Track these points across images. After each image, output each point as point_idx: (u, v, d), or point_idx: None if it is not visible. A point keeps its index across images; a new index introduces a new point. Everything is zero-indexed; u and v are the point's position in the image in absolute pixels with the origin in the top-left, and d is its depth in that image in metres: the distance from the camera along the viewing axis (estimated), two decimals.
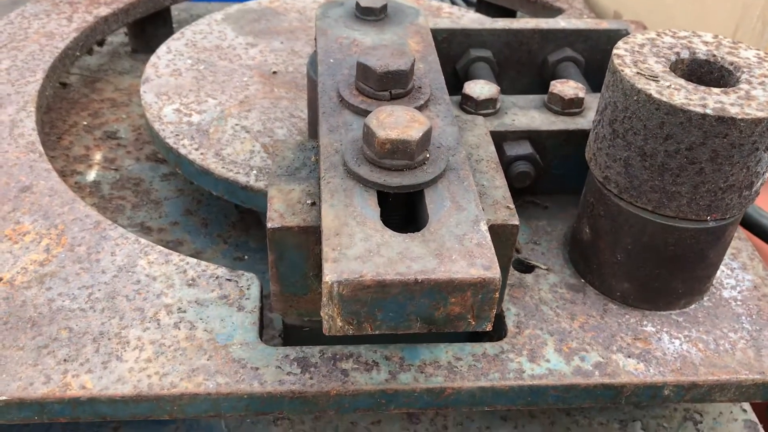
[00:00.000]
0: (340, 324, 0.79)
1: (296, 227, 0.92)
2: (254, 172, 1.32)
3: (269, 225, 0.91)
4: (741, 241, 1.21)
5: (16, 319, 1.01)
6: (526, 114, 1.24)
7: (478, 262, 0.79)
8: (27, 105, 1.45)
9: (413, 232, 0.84)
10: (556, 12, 2.02)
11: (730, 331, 1.07)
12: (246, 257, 1.46)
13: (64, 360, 0.96)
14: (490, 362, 1.00)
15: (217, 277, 1.09)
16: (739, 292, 1.13)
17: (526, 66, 1.49)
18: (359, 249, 0.80)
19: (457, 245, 0.81)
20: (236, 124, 1.44)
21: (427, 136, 0.88)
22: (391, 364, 0.98)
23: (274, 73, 1.62)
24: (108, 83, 1.93)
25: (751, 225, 1.42)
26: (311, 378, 0.96)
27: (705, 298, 1.12)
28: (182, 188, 1.60)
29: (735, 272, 1.17)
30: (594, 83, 1.47)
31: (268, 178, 1.10)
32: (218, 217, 1.55)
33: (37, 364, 0.96)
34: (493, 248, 0.81)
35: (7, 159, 1.30)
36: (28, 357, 0.96)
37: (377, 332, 0.80)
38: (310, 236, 0.93)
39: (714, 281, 1.14)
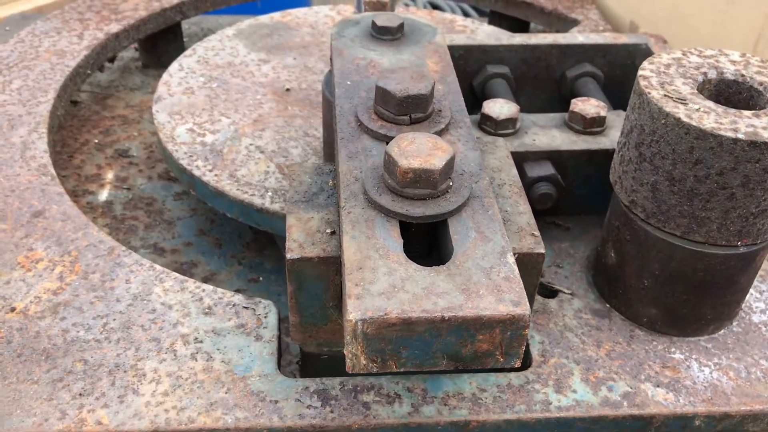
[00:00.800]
0: (364, 362, 0.76)
1: (316, 258, 0.89)
2: (269, 193, 1.30)
3: (288, 256, 0.89)
4: None
5: (30, 351, 0.99)
6: (546, 133, 1.22)
7: (506, 298, 0.76)
8: (39, 126, 1.43)
9: (436, 263, 0.81)
10: (571, 23, 2.00)
11: (762, 358, 1.04)
12: (261, 278, 1.44)
13: (80, 394, 0.94)
14: (516, 393, 0.97)
15: (233, 305, 1.07)
16: None
17: (543, 81, 1.46)
18: (383, 284, 0.77)
19: (484, 279, 0.78)
20: (250, 144, 1.42)
21: (450, 164, 0.86)
22: (413, 396, 0.95)
23: (288, 90, 1.60)
24: (119, 99, 1.91)
25: None
26: (332, 411, 0.93)
27: (734, 323, 1.09)
28: (195, 207, 1.58)
29: (764, 295, 1.14)
30: (613, 98, 1.44)
31: (285, 205, 1.08)
32: (232, 237, 1.53)
33: (51, 399, 0.93)
34: (521, 282, 0.78)
35: (19, 183, 1.29)
36: (43, 391, 0.94)
37: (402, 370, 0.78)
38: (331, 267, 0.90)
39: (743, 305, 1.11)
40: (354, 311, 0.74)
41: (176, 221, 1.55)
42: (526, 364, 1.01)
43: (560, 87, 1.45)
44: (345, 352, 0.77)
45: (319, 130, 1.47)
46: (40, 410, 0.92)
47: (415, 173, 0.84)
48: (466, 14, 2.91)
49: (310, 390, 0.96)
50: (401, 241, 0.83)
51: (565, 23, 2.01)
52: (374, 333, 0.74)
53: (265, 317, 1.06)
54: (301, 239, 0.91)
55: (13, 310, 1.05)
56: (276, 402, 0.94)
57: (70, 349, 1.00)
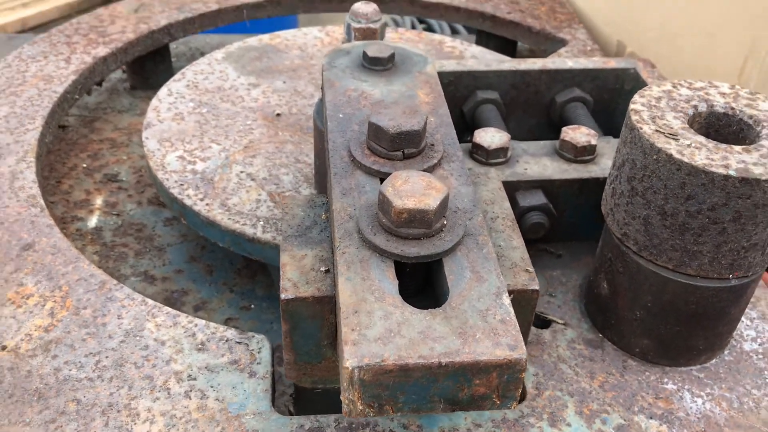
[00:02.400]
0: (360, 408, 0.76)
1: (311, 297, 0.89)
2: (261, 223, 1.30)
3: (283, 296, 0.89)
4: (760, 290, 1.19)
5: (21, 391, 0.98)
6: (538, 162, 1.22)
7: (503, 341, 0.76)
8: (27, 155, 1.42)
9: (430, 299, 0.81)
10: (558, 43, 2.01)
11: (753, 387, 1.05)
12: (252, 306, 1.44)
13: None
14: (511, 428, 0.97)
15: (227, 340, 1.07)
16: (760, 344, 1.11)
17: (533, 106, 1.47)
18: (379, 329, 0.77)
19: (480, 322, 0.78)
20: (241, 172, 1.42)
21: (444, 203, 0.86)
22: None
23: (278, 115, 1.60)
24: (107, 122, 1.90)
25: None
26: None
27: (726, 352, 1.10)
28: (186, 233, 1.58)
29: (755, 323, 1.14)
30: (602, 123, 1.45)
31: (280, 240, 1.08)
32: (223, 263, 1.52)
33: None
34: (517, 324, 0.78)
35: (8, 215, 1.27)
36: None
37: (398, 414, 0.78)
38: (325, 306, 0.90)
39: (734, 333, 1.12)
40: (351, 358, 0.74)
41: (166, 248, 1.54)
42: (521, 397, 1.02)
43: (550, 112, 1.46)
44: (341, 397, 0.77)
45: (310, 156, 1.47)
46: None
47: (410, 213, 0.84)
48: (454, 30, 2.92)
49: (305, 428, 0.95)
50: (396, 282, 0.83)
51: (552, 43, 2.02)
52: (371, 380, 0.74)
53: (258, 352, 1.05)
54: (295, 278, 0.91)
55: (3, 348, 1.04)
56: None
57: (62, 389, 0.99)
